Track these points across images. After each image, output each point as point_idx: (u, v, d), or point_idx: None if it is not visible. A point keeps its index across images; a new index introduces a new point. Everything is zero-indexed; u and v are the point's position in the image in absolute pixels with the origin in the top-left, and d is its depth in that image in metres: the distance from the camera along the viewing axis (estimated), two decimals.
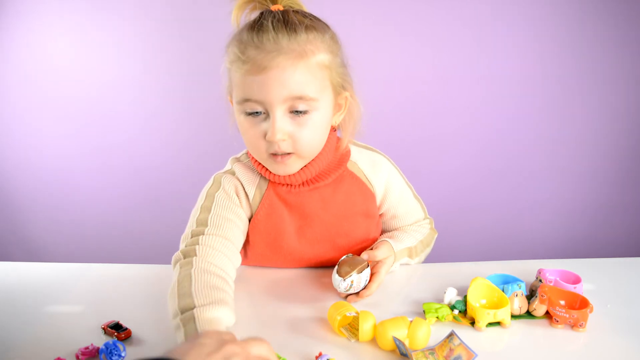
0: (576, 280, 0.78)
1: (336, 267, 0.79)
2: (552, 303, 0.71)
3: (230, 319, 0.67)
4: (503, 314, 0.70)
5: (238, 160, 0.88)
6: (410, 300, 0.79)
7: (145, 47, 1.52)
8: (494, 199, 1.69)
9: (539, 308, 0.72)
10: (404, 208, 0.93)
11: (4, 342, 0.68)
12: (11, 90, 1.59)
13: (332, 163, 0.84)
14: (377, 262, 0.82)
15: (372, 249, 0.85)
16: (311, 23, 0.72)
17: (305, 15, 0.73)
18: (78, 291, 0.82)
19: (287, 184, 0.82)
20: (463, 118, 1.59)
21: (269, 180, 0.83)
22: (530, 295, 0.78)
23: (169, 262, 0.78)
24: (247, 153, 0.88)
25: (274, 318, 0.74)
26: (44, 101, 1.60)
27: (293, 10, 0.73)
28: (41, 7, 1.49)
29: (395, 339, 0.64)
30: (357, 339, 0.67)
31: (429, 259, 0.96)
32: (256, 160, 0.82)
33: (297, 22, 0.70)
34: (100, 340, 0.68)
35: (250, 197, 0.83)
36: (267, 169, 0.81)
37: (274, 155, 0.76)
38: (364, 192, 0.87)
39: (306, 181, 0.82)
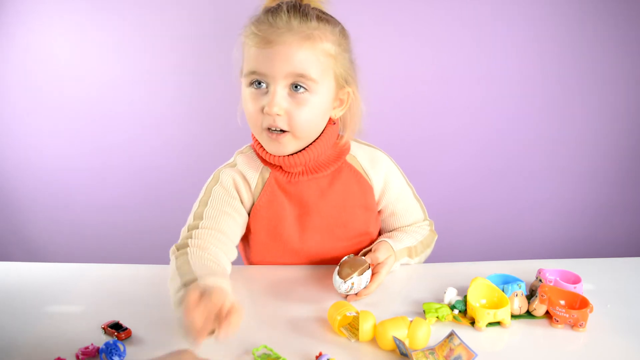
0: (576, 280, 0.78)
1: (337, 268, 0.79)
2: (552, 303, 0.71)
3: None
4: (503, 314, 0.70)
5: (242, 152, 0.91)
6: (410, 300, 0.79)
7: (146, 47, 1.52)
8: (494, 199, 1.69)
9: (539, 308, 0.72)
10: (403, 205, 0.93)
11: (4, 342, 0.68)
12: (11, 90, 1.59)
13: (331, 155, 0.86)
14: (379, 263, 0.82)
15: (371, 250, 0.85)
16: (324, 16, 0.77)
17: (320, 10, 0.78)
18: (78, 291, 0.82)
19: (287, 172, 0.84)
20: (463, 118, 1.59)
21: (270, 170, 0.85)
22: (530, 295, 0.78)
23: (168, 262, 0.78)
24: (250, 146, 0.90)
25: (274, 318, 0.74)
26: (44, 101, 1.59)
27: (311, 6, 0.78)
28: (41, 7, 1.49)
29: (395, 339, 0.64)
30: (357, 339, 0.67)
31: (429, 259, 0.96)
32: (259, 143, 0.84)
33: (310, 11, 0.75)
34: (100, 340, 0.68)
35: (253, 185, 0.86)
36: (267, 153, 0.83)
37: (270, 132, 0.78)
38: (362, 184, 0.88)
39: (305, 171, 0.84)
